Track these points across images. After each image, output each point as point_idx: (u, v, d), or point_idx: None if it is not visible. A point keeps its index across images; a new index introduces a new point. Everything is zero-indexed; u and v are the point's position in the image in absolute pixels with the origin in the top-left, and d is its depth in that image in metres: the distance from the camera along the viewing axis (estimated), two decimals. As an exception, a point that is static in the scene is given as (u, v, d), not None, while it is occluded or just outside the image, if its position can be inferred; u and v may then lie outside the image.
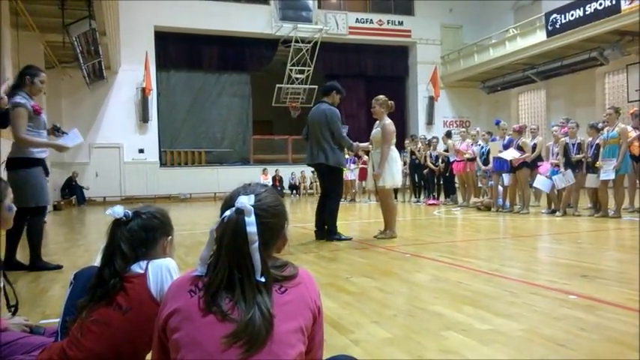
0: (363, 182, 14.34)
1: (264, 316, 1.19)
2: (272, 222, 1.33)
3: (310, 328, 1.29)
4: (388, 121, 6.24)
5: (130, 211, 1.69)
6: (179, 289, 1.31)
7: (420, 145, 13.03)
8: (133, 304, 1.58)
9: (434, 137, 13.21)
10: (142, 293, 1.59)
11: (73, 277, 1.85)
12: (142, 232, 1.68)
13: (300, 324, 1.25)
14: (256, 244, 1.25)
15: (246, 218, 1.26)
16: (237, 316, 1.20)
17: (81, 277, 1.80)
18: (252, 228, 1.25)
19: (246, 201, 1.27)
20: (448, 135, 12.50)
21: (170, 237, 1.78)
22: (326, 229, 6.26)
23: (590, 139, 8.21)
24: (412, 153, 13.07)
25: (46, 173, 5.14)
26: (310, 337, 1.30)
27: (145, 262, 1.65)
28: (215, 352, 1.17)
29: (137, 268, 1.64)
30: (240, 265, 1.24)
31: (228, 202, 1.32)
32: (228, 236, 1.26)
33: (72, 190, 17.27)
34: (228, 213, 1.28)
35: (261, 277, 1.24)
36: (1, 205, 2.16)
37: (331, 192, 6.38)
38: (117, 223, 1.68)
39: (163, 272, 1.63)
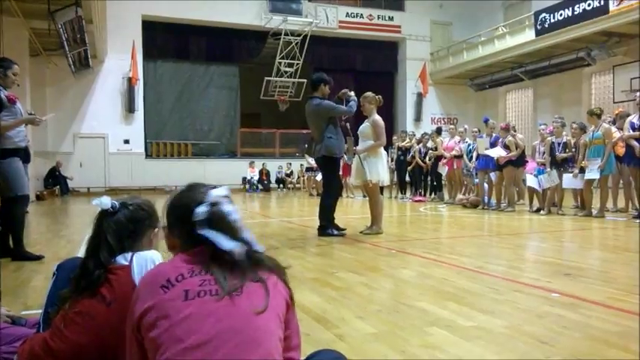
0: (347, 178, 14.32)
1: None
2: None
3: (284, 314, 1.32)
4: (377, 117, 6.23)
5: (117, 202, 1.67)
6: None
7: (407, 140, 13.05)
8: (117, 295, 1.56)
9: (424, 133, 13.23)
10: (127, 285, 1.57)
11: (55, 268, 1.83)
12: (129, 223, 1.67)
13: (277, 311, 1.28)
14: None
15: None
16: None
17: (64, 269, 1.78)
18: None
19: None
20: (438, 132, 12.51)
21: (157, 229, 1.76)
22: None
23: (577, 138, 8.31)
24: (399, 149, 13.09)
25: (28, 160, 5.08)
26: (286, 324, 1.31)
27: (130, 253, 1.63)
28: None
29: (122, 259, 1.62)
30: None
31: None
32: None
33: (55, 180, 17.02)
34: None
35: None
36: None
37: (325, 185, 6.35)
38: (103, 214, 1.66)
39: (148, 264, 1.61)
